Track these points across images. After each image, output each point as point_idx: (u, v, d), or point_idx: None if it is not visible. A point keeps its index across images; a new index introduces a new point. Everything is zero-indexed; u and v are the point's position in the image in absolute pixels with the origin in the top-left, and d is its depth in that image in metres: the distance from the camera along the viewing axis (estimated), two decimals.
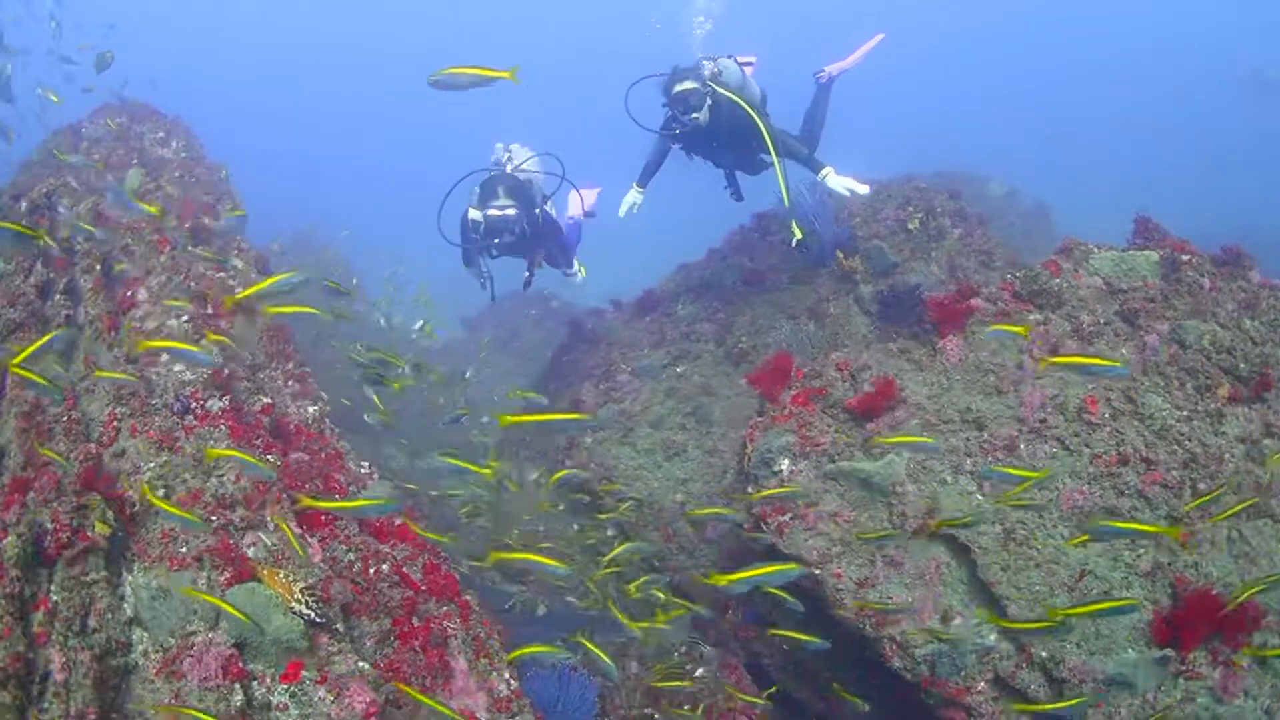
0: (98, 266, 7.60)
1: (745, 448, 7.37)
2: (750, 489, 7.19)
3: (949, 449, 7.18)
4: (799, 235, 9.32)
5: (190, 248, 8.06)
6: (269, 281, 5.86)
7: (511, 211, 9.41)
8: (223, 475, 5.39)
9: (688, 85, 9.21)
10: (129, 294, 7.42)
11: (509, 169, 9.93)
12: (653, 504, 9.19)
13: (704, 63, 9.56)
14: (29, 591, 4.87)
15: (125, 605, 5.02)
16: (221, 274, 7.85)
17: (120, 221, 8.43)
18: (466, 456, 5.67)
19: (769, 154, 9.23)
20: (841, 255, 10.06)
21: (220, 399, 5.91)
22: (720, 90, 9.35)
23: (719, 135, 9.46)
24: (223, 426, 5.67)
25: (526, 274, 10.16)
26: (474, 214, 9.54)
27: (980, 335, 7.71)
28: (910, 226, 10.47)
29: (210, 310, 7.17)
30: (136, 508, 5.28)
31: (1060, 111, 47.08)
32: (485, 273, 10.12)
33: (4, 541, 4.90)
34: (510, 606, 9.94)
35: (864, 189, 9.36)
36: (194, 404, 5.88)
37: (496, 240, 9.53)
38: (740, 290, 10.44)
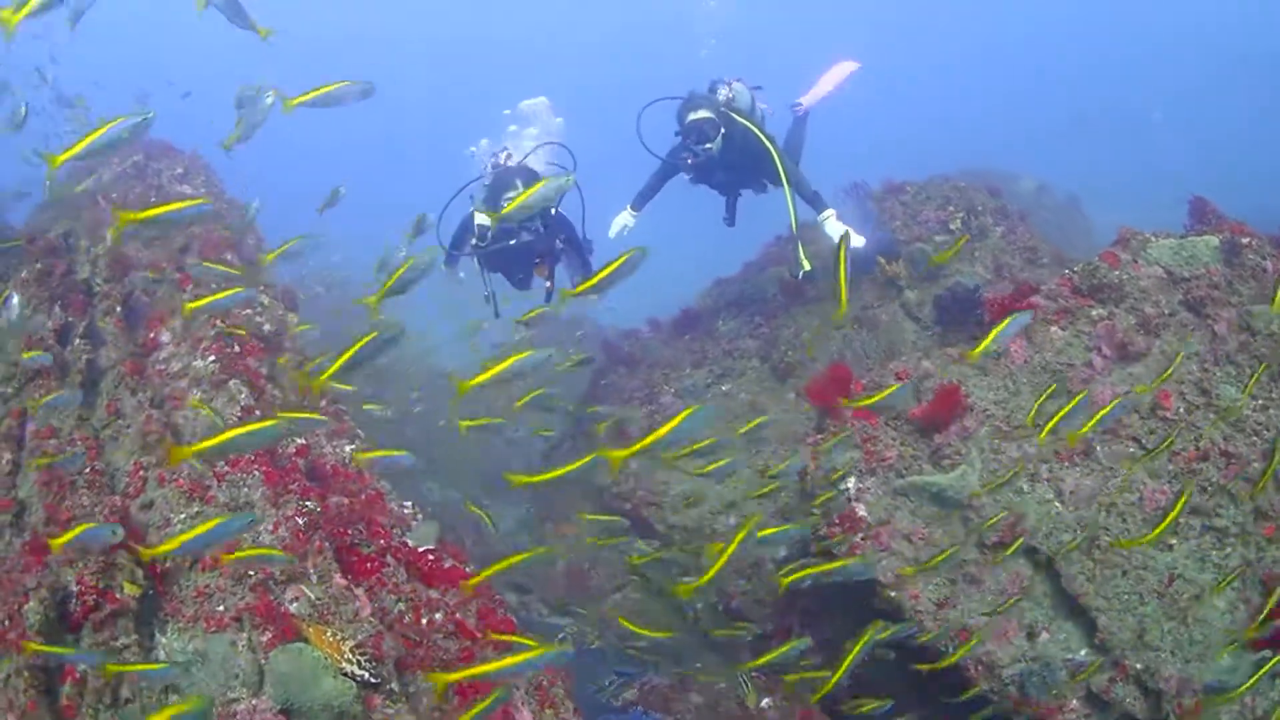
0: (118, 308, 7.28)
1: (807, 466, 6.97)
2: (815, 509, 6.79)
3: (1022, 456, 6.78)
4: (807, 267, 9.18)
5: (214, 285, 7.72)
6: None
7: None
8: (260, 524, 5.02)
9: (702, 114, 8.96)
10: (152, 335, 7.10)
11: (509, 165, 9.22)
12: (704, 528, 8.80)
13: (718, 87, 9.28)
14: (54, 661, 4.51)
15: None
16: (248, 311, 7.50)
17: (140, 261, 8.12)
18: None
19: (777, 181, 9.12)
20: (883, 260, 9.65)
21: None
22: (736, 118, 9.11)
23: (729, 163, 9.23)
24: (256, 473, 5.28)
25: (547, 285, 9.39)
26: (481, 218, 8.80)
27: (1044, 335, 7.34)
28: (952, 227, 10.05)
29: (238, 349, 6.81)
30: (167, 564, 4.91)
31: (1068, 103, 46.28)
32: (488, 289, 9.40)
33: (25, 607, 4.55)
34: (560, 640, 9.60)
35: (860, 241, 9.19)
36: None
37: (512, 241, 8.76)
38: (781, 302, 10.04)
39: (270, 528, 4.97)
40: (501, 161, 9.25)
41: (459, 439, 15.18)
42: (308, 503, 5.11)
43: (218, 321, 6.85)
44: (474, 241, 8.87)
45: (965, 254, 9.95)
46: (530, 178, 8.76)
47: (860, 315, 9.71)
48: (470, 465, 15.04)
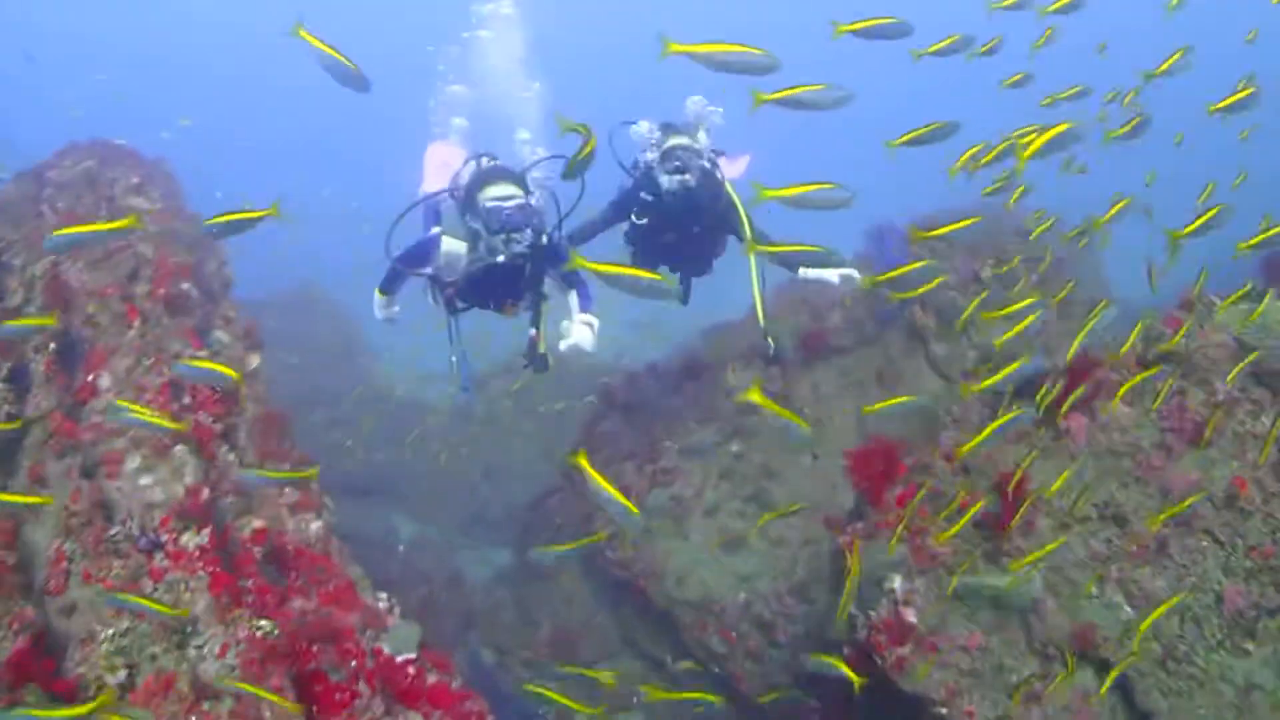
0: (52, 344, 6.29)
1: (845, 560, 6.07)
2: (855, 611, 5.89)
3: (1090, 555, 5.92)
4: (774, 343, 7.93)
5: (165, 319, 6.73)
6: None
7: (520, 200, 6.87)
8: (203, 646, 4.04)
9: (686, 141, 7.57)
10: (90, 379, 6.10)
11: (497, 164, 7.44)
12: (712, 604, 7.91)
13: (696, 127, 7.85)
14: None
15: None
16: (202, 352, 6.52)
17: (83, 288, 7.15)
18: None
19: (738, 244, 7.88)
20: (919, 310, 8.80)
21: (198, 532, 4.52)
22: (714, 159, 7.79)
23: (694, 214, 7.75)
24: (202, 573, 4.30)
25: (531, 332, 7.64)
26: (451, 243, 7.10)
27: (1109, 412, 6.49)
28: (983, 275, 9.20)
29: (189, 400, 5.84)
30: (89, 692, 3.93)
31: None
32: (454, 353, 7.76)
33: None
34: (542, 715, 8.75)
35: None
36: (165, 537, 4.52)
37: (499, 258, 6.89)
38: (798, 354, 9.11)
39: (217, 651, 4.00)
40: (483, 165, 7.47)
41: (435, 471, 14.41)
42: (263, 622, 4.12)
43: (164, 366, 5.86)
44: (447, 277, 7.19)
45: (996, 303, 9.12)
46: (518, 176, 7.11)
47: (883, 371, 8.85)
48: (446, 500, 14.16)
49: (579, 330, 7.37)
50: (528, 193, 6.99)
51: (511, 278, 7.16)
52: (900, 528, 5.91)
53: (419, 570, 11.16)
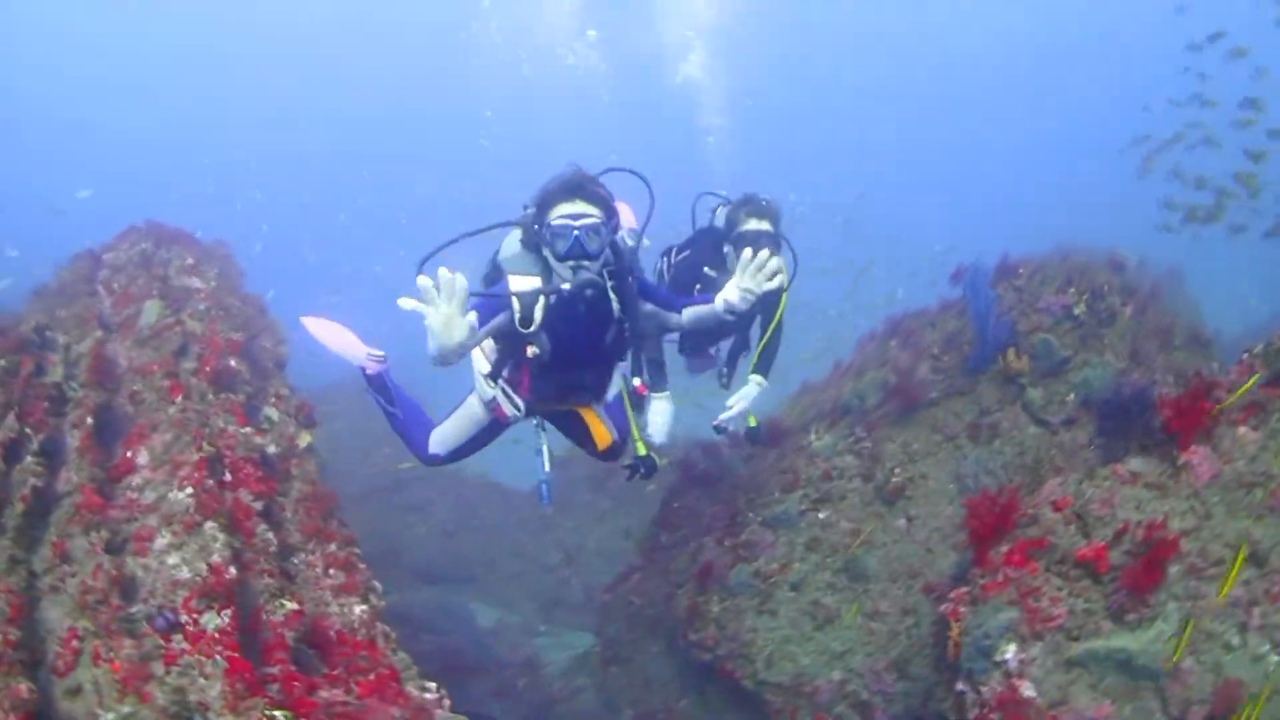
0: (89, 419, 5.95)
1: (950, 630, 5.42)
2: (963, 685, 5.23)
3: (1229, 600, 5.21)
4: (754, 423, 7.44)
5: (209, 395, 6.39)
6: None
7: (594, 220, 5.26)
8: None
9: (765, 226, 6.92)
10: (128, 455, 5.75)
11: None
12: (804, 685, 7.25)
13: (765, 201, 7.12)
14: None
15: None
16: (247, 429, 6.14)
17: (128, 364, 6.87)
18: None
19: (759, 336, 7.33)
20: (1011, 355, 8.16)
21: (220, 613, 4.07)
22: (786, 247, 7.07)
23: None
24: (218, 658, 3.83)
25: (636, 384, 6.32)
26: (520, 282, 5.46)
27: (1232, 438, 5.79)
28: (1076, 312, 8.51)
29: (227, 478, 5.44)
30: None
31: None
32: (539, 434, 6.32)
33: None
34: None
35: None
36: (185, 617, 4.08)
37: (588, 291, 5.28)
38: (885, 411, 8.50)
39: None
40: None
41: (512, 554, 13.98)
42: (277, 714, 3.61)
43: (204, 442, 5.48)
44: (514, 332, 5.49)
45: (1093, 341, 8.44)
46: (600, 196, 5.39)
47: (975, 423, 8.20)
48: (524, 583, 13.72)
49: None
50: (609, 214, 5.37)
51: (601, 320, 5.63)
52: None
53: (495, 657, 10.67)
